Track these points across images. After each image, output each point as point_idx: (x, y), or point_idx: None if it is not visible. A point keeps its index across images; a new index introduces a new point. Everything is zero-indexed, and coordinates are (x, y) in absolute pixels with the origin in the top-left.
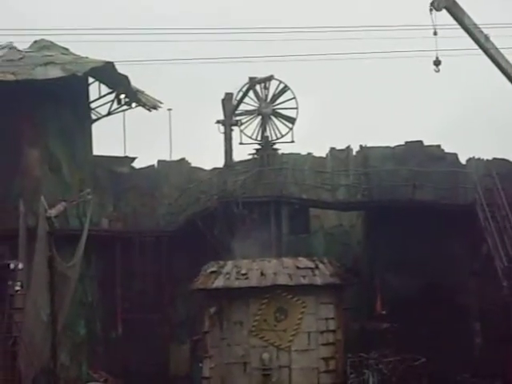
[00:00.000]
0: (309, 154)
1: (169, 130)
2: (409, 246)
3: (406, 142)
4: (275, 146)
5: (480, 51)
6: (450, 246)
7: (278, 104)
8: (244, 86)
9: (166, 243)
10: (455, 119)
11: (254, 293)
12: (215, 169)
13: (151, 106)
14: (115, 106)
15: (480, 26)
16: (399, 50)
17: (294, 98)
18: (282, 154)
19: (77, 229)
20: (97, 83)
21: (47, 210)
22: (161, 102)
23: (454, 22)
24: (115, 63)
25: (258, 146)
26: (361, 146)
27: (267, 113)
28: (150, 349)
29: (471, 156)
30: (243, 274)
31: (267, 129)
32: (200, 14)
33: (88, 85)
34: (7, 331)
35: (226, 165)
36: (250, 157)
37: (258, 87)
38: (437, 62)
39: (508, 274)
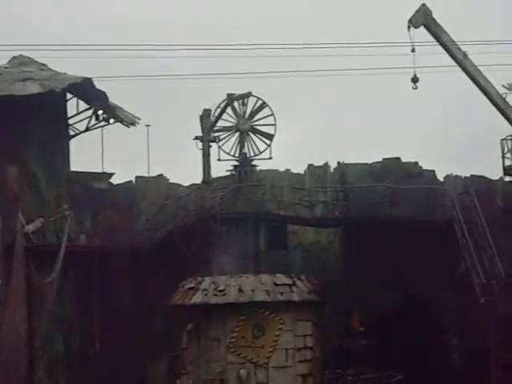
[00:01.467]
0: (287, 170)
1: (147, 146)
2: (386, 262)
3: (384, 159)
4: (253, 163)
5: (458, 68)
6: (428, 262)
7: (256, 120)
8: (222, 103)
9: (144, 259)
10: (432, 136)
11: (231, 309)
12: (193, 185)
13: (129, 122)
14: (93, 121)
15: (458, 43)
16: (377, 67)
17: (272, 114)
18: (260, 170)
19: (54, 245)
20: (75, 99)
21: (24, 226)
22: (139, 118)
23: (433, 39)
24: (93, 79)
25: (236, 163)
26: (338, 163)
27: (245, 129)
28: (127, 365)
29: (449, 173)
30: (221, 291)
31: (245, 145)
32: (178, 30)
33: (66, 101)
34: None
35: (203, 181)
36: (228, 173)
37: (236, 104)
38: (415, 79)
39: (485, 291)
